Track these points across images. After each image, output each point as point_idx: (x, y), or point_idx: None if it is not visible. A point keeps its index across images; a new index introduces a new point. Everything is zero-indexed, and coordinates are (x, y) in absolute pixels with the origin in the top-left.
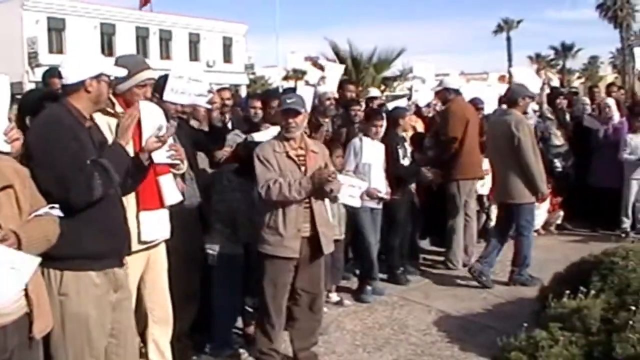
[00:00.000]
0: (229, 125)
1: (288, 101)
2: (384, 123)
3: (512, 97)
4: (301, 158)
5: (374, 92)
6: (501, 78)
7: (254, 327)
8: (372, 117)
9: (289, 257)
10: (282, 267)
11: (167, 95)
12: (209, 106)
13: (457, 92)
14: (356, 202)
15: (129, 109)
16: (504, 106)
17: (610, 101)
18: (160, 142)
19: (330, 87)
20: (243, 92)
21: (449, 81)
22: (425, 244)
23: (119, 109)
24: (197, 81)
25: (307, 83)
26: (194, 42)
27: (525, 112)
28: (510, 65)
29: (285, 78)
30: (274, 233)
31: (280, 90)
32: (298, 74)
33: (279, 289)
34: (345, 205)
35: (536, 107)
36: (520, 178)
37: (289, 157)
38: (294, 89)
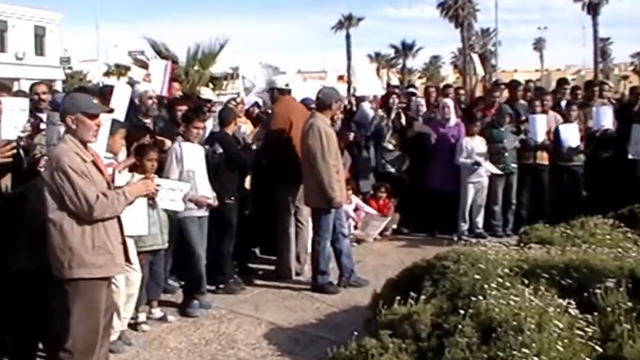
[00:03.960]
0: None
1: None
2: (206, 125)
3: (322, 101)
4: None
5: (206, 93)
6: (340, 78)
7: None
8: (191, 119)
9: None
10: (105, 288)
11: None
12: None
13: (283, 92)
14: (178, 206)
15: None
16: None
17: (449, 102)
18: None
19: (154, 86)
20: (59, 88)
21: (276, 81)
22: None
23: None
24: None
25: (131, 80)
26: (0, 31)
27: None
28: (349, 65)
29: (107, 74)
30: (104, 252)
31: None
32: (121, 70)
33: (102, 314)
34: (167, 210)
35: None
36: (314, 183)
37: (94, 164)
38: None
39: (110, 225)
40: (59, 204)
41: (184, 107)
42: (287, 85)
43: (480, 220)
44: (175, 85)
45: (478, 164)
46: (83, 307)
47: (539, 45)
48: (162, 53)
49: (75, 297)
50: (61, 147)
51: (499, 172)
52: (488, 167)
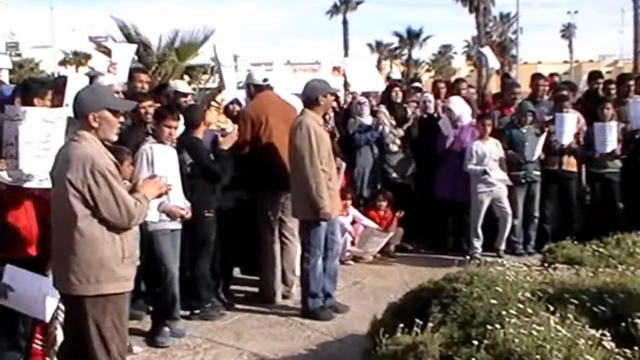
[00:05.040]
0: None
1: None
2: (179, 124)
3: (307, 96)
4: None
5: (181, 86)
6: (336, 70)
7: None
8: (163, 117)
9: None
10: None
11: None
12: None
13: (261, 87)
14: (152, 215)
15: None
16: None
17: (429, 96)
18: None
19: (120, 77)
20: (4, 79)
21: (253, 75)
22: (235, 272)
23: None
24: None
25: (92, 71)
26: None
27: (326, 111)
28: (346, 55)
29: (63, 62)
30: (131, 263)
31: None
32: (80, 58)
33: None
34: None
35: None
36: (302, 191)
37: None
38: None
39: (132, 232)
40: (92, 210)
41: (149, 103)
42: (265, 80)
43: (502, 240)
44: (143, 77)
45: (487, 172)
46: (113, 322)
47: (567, 32)
48: (131, 37)
49: (105, 313)
50: (85, 147)
51: (510, 182)
52: (497, 177)
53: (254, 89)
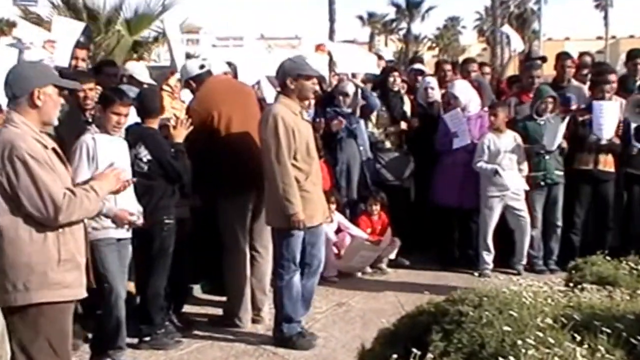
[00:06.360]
0: None
1: None
2: (130, 110)
3: (279, 78)
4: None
5: (138, 71)
6: (319, 47)
7: None
8: (110, 102)
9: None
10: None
11: None
12: None
13: (200, 77)
14: None
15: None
16: None
17: (433, 81)
18: None
19: (59, 59)
20: None
21: (187, 68)
22: (195, 290)
23: None
24: None
25: (18, 43)
26: None
27: (306, 100)
28: (332, 29)
29: None
30: (72, 268)
31: None
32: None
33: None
34: None
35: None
36: (274, 194)
37: (55, 152)
38: None
39: (78, 231)
40: (11, 204)
41: (90, 86)
42: (202, 67)
43: (522, 255)
44: (81, 52)
45: (498, 172)
46: (49, 341)
47: (603, 1)
48: (71, 3)
49: (36, 329)
50: (11, 130)
51: (526, 187)
52: (510, 180)
53: (194, 83)
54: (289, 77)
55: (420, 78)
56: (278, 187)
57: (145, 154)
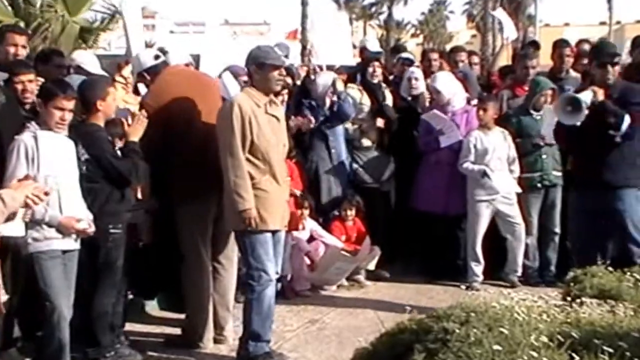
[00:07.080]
0: None
1: None
2: (72, 105)
3: (246, 67)
4: None
5: (88, 60)
6: (292, 34)
7: None
8: (53, 96)
9: None
10: None
11: None
12: None
13: (156, 69)
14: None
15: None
16: None
17: (417, 72)
18: None
19: None
20: None
21: (140, 59)
22: (150, 307)
23: None
24: None
25: None
26: None
27: (271, 92)
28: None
29: None
30: None
31: None
32: None
33: None
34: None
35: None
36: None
37: None
38: None
39: None
40: None
41: (29, 78)
42: (157, 57)
43: (516, 266)
44: (19, 38)
45: (486, 174)
46: None
47: None
48: None
49: None
50: None
51: (518, 189)
52: (500, 183)
53: (148, 75)
54: (252, 66)
55: (405, 69)
56: (229, 179)
57: (83, 153)
